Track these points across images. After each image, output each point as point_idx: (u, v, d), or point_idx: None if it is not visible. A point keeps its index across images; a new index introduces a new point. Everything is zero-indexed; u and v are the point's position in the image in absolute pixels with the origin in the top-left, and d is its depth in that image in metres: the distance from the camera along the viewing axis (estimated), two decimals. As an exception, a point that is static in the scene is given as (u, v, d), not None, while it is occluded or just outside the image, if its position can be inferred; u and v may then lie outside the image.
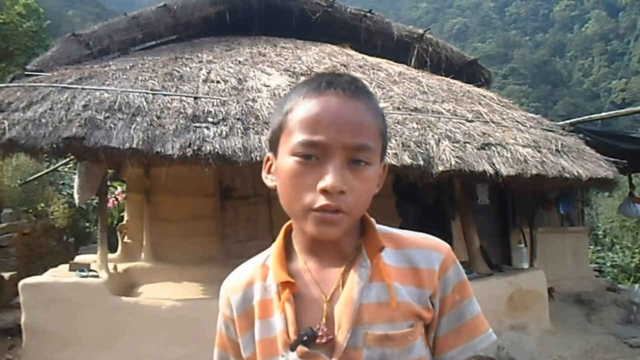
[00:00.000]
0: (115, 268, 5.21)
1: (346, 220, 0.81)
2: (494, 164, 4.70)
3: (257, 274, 0.93)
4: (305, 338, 0.82)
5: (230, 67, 5.41)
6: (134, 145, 3.92)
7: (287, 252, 0.92)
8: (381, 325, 0.83)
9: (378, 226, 0.92)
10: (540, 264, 6.34)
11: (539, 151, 5.16)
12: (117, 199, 8.62)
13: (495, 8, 68.96)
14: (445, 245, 0.92)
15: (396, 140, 4.52)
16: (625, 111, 8.40)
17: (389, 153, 4.22)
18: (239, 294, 0.93)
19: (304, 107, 0.82)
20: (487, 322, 0.93)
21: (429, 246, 0.91)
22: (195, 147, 4.00)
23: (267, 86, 5.05)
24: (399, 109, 5.16)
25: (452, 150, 4.63)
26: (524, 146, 5.13)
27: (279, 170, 0.85)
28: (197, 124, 4.25)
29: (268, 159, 0.91)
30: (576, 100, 47.76)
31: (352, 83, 0.85)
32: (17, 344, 4.66)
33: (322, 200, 0.79)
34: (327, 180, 0.78)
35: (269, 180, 0.90)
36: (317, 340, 0.82)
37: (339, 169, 0.79)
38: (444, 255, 0.90)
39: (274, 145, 0.88)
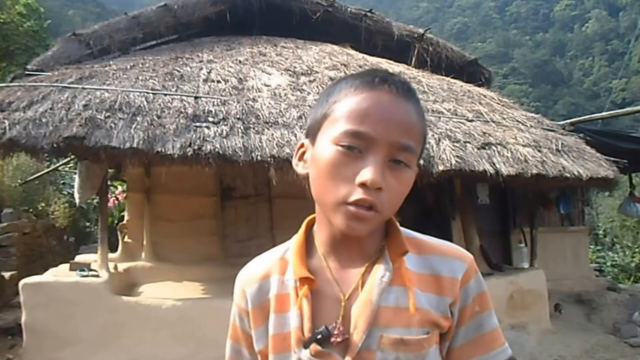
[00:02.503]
0: (115, 268, 5.22)
1: (377, 219, 0.80)
2: (494, 164, 4.70)
3: (275, 266, 0.92)
4: (319, 336, 0.81)
5: (231, 66, 5.41)
6: (135, 145, 3.92)
7: (307, 247, 0.91)
8: (397, 330, 0.82)
9: (402, 229, 0.91)
10: (541, 263, 6.34)
11: (539, 151, 5.16)
12: (117, 199, 8.62)
13: (496, 8, 68.89)
14: (468, 255, 0.91)
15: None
16: (625, 111, 8.41)
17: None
18: (254, 286, 0.92)
19: (355, 99, 0.81)
20: None
21: (452, 254, 0.90)
22: (196, 147, 4.00)
23: (268, 86, 5.05)
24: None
25: (453, 149, 4.63)
26: (524, 146, 5.13)
27: (317, 158, 0.83)
28: (198, 124, 4.25)
29: (302, 146, 0.90)
30: (576, 100, 47.75)
31: (404, 83, 0.84)
32: (18, 343, 4.66)
33: (358, 194, 0.77)
34: (368, 174, 0.76)
35: (299, 167, 0.89)
36: (332, 339, 0.81)
37: (380, 165, 0.78)
38: (468, 265, 0.89)
39: (313, 133, 0.86)
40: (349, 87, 0.83)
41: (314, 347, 0.81)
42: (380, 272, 0.84)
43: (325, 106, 0.85)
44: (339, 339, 0.81)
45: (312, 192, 0.85)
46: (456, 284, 0.86)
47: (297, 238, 0.92)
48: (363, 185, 0.77)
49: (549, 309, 5.79)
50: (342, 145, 0.79)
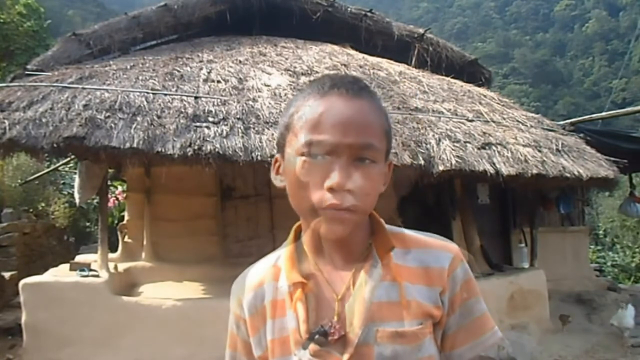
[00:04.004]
0: (115, 268, 5.22)
1: (353, 218, 0.82)
2: (494, 164, 4.70)
3: (268, 274, 0.94)
4: (317, 336, 0.83)
5: (231, 66, 5.41)
6: (135, 145, 3.92)
7: (298, 252, 0.93)
8: (392, 323, 0.85)
9: (387, 226, 0.93)
10: (541, 263, 6.34)
11: (539, 151, 5.16)
12: (117, 199, 8.62)
13: (496, 7, 68.79)
14: (454, 245, 0.95)
15: (396, 139, 4.52)
16: (625, 111, 8.42)
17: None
18: (250, 294, 0.94)
19: (309, 109, 0.85)
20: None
21: (438, 246, 0.93)
22: (196, 147, 4.00)
23: (268, 86, 5.05)
24: (399, 108, 5.16)
25: (453, 149, 4.63)
26: (524, 146, 5.13)
27: (287, 171, 0.87)
28: (198, 124, 4.25)
29: (276, 160, 0.93)
30: (577, 100, 47.69)
31: (355, 83, 0.87)
32: (18, 343, 4.66)
33: (329, 199, 0.80)
34: (334, 178, 0.79)
35: (277, 180, 0.92)
36: (329, 338, 0.83)
37: (344, 168, 0.80)
38: (453, 255, 0.92)
39: (281, 146, 0.90)
40: (303, 98, 0.87)
41: (313, 347, 0.83)
42: (370, 270, 0.87)
43: (286, 119, 0.89)
44: (335, 337, 0.83)
45: (291, 203, 0.88)
46: (444, 273, 0.89)
47: (287, 244, 0.95)
48: (331, 189, 0.80)
49: (549, 310, 5.77)
50: (305, 155, 0.82)
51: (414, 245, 0.92)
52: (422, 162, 4.40)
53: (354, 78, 0.90)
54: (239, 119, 4.39)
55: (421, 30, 7.22)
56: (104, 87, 4.56)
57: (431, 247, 0.92)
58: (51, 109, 4.15)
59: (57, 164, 8.52)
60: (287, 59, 5.93)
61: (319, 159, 0.81)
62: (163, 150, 3.95)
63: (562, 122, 6.95)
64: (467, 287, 0.92)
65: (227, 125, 4.29)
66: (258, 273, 0.96)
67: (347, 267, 0.89)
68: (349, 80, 0.87)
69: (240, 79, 5.12)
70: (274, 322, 0.90)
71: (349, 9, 6.96)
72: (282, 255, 0.95)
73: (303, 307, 0.86)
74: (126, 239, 6.25)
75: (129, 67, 5.14)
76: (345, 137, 0.81)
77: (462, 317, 0.91)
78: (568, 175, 4.98)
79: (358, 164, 0.82)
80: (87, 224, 10.17)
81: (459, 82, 6.51)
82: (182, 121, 4.23)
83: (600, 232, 15.07)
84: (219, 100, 4.62)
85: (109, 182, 6.65)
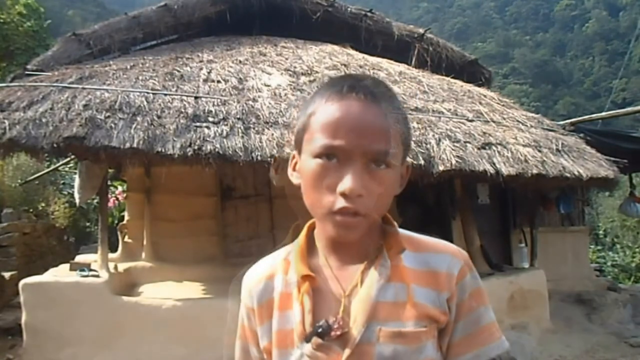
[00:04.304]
0: (115, 268, 5.21)
1: (364, 223, 0.84)
2: (494, 164, 4.70)
3: (279, 267, 0.96)
4: (320, 330, 0.84)
5: (231, 66, 5.41)
6: (135, 145, 3.92)
7: (310, 248, 0.95)
8: (394, 323, 0.85)
9: (398, 229, 0.94)
10: (541, 263, 6.34)
11: (539, 151, 5.16)
12: (117, 199, 8.62)
13: (496, 7, 68.77)
14: (463, 252, 0.95)
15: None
16: (625, 111, 8.41)
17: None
18: (260, 285, 0.96)
19: (326, 111, 0.85)
20: None
21: (448, 252, 0.93)
22: (196, 147, 4.00)
23: (268, 86, 5.05)
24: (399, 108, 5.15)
25: (453, 149, 4.63)
26: (524, 146, 5.12)
27: (302, 170, 0.88)
28: (198, 124, 4.25)
29: (293, 157, 0.94)
30: (577, 100, 47.67)
31: (374, 87, 0.87)
32: (18, 343, 4.66)
33: (341, 203, 0.81)
34: (347, 183, 0.80)
35: (294, 177, 0.93)
36: (332, 333, 0.84)
37: (358, 173, 0.81)
38: (463, 262, 0.92)
39: (298, 144, 0.91)
40: (321, 98, 0.87)
41: (315, 340, 0.84)
42: (378, 269, 0.88)
43: (304, 119, 0.89)
44: (338, 333, 0.84)
45: (305, 202, 0.88)
46: (453, 279, 0.89)
47: (300, 240, 0.96)
48: (344, 194, 0.80)
49: (549, 310, 5.77)
50: (320, 158, 0.83)
51: (424, 249, 0.92)
52: (422, 162, 4.40)
53: (373, 81, 0.90)
54: (239, 119, 4.39)
55: (421, 30, 7.21)
56: (104, 87, 4.56)
57: (441, 252, 0.92)
58: (51, 109, 4.14)
59: (57, 164, 8.52)
60: (287, 59, 5.93)
61: (334, 162, 0.82)
62: (163, 150, 3.95)
63: (562, 122, 6.95)
64: (476, 296, 0.92)
65: (227, 125, 4.28)
66: (270, 265, 0.98)
67: (356, 265, 0.90)
68: (368, 84, 0.87)
69: (240, 79, 5.12)
70: (280, 314, 0.91)
71: (349, 9, 6.96)
72: (293, 249, 0.96)
73: (309, 300, 0.87)
74: (126, 239, 6.25)
75: (129, 67, 5.14)
76: (360, 144, 0.81)
77: (468, 325, 0.90)
78: (568, 175, 4.97)
79: (372, 169, 0.82)
80: (87, 224, 10.18)
81: (459, 82, 6.51)
82: (182, 121, 4.23)
83: (600, 232, 15.08)
84: (219, 100, 4.62)
85: (109, 182, 6.64)
